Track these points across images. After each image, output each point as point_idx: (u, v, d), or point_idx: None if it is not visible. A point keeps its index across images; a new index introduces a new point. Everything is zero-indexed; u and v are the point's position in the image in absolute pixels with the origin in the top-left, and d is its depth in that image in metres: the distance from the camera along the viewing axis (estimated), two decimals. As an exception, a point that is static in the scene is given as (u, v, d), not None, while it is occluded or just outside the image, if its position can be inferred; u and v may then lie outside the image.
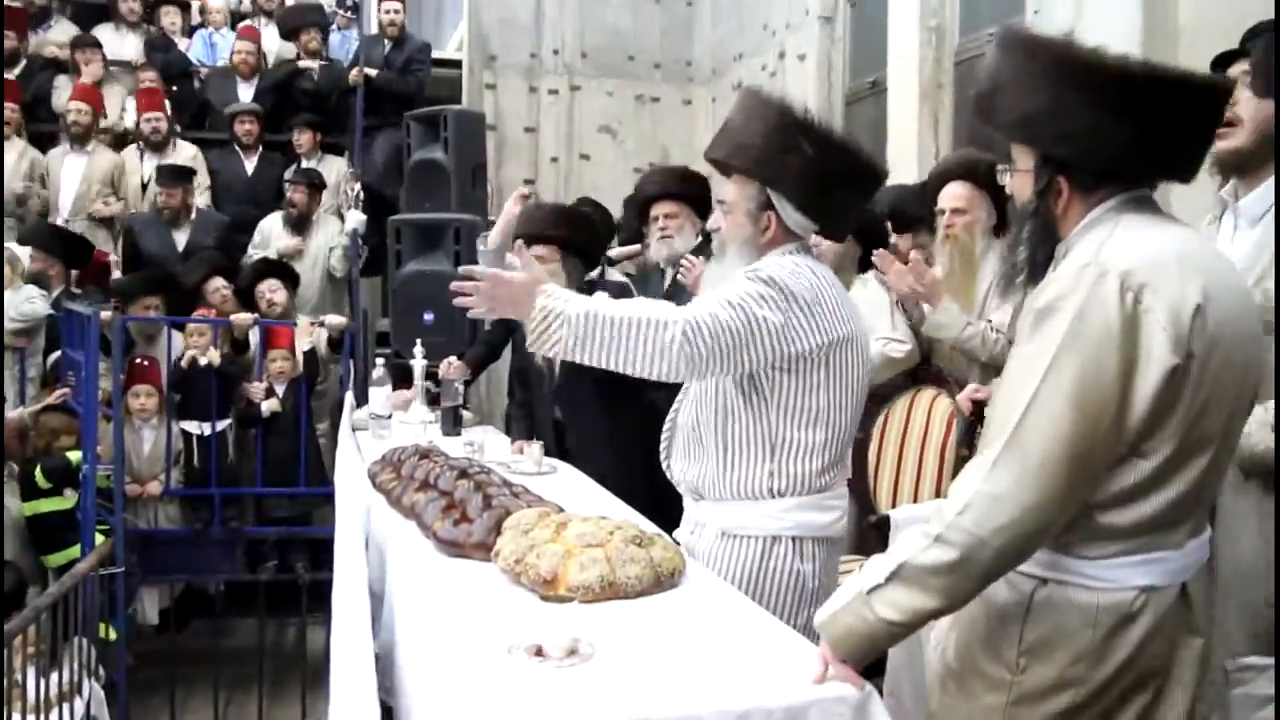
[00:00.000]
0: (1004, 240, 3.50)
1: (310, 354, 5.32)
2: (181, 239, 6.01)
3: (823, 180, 2.24)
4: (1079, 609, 1.55)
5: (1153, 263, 1.49)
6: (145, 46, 7.14)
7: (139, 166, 6.46)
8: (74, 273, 5.69)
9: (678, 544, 2.37)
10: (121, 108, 6.87)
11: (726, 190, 2.35)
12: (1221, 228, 2.33)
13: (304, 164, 6.52)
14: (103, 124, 6.50)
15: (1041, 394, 1.48)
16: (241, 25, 7.36)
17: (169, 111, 6.58)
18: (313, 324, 5.41)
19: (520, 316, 2.10)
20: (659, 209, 3.74)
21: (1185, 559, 1.57)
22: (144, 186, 6.42)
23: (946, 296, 3.36)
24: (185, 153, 6.52)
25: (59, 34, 7.12)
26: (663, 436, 2.46)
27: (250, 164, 6.62)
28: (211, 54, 7.31)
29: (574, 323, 2.03)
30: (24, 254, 5.53)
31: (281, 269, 5.70)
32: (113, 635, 4.40)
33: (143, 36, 7.28)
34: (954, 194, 3.48)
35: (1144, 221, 1.57)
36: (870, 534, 3.06)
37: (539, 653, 1.63)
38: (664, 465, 2.46)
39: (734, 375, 2.22)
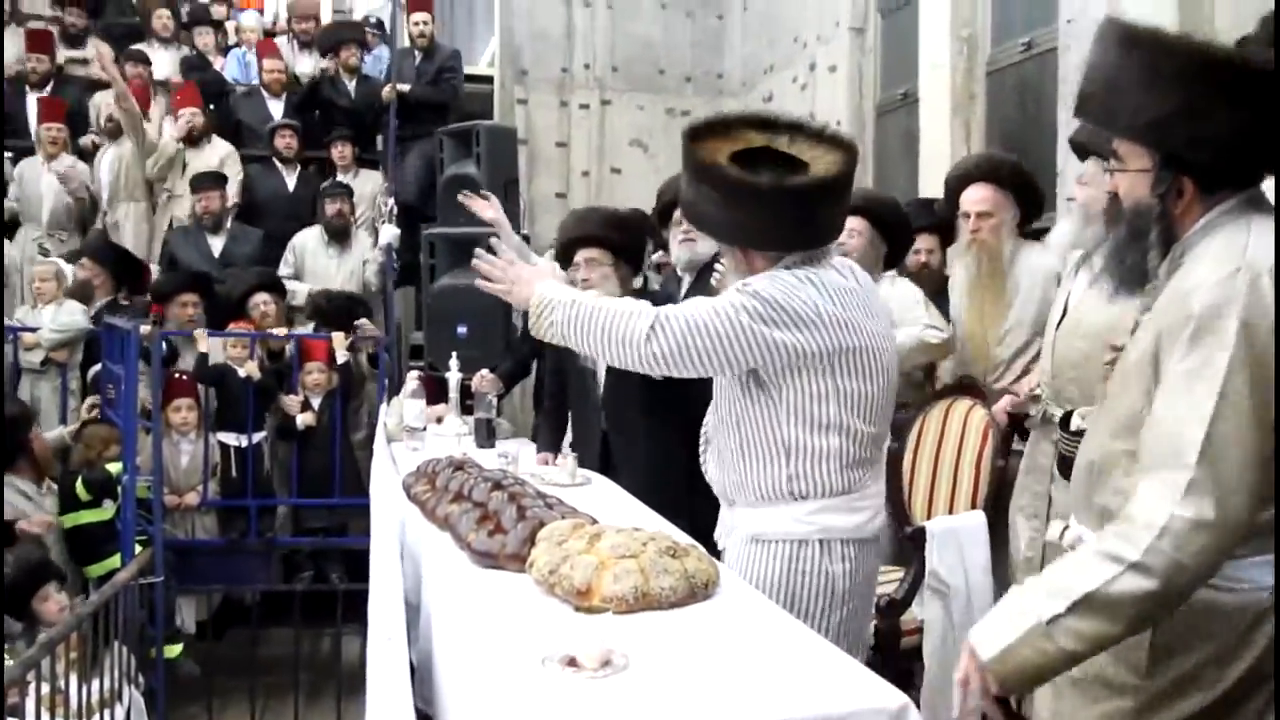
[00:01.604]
0: (1020, 241, 3.51)
1: (345, 366, 5.37)
2: (218, 245, 6.09)
3: (770, 225, 2.21)
4: (1216, 610, 1.56)
5: None
6: (182, 65, 7.26)
7: (180, 156, 6.54)
8: (122, 289, 5.79)
9: (718, 550, 2.39)
10: (160, 124, 6.98)
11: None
12: None
13: (339, 178, 6.59)
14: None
15: (1223, 410, 1.45)
16: (259, 41, 7.45)
17: (204, 108, 6.68)
18: (348, 336, 5.46)
19: (522, 302, 2.29)
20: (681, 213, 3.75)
21: None
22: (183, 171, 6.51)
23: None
24: (220, 148, 6.61)
25: (92, 53, 7.24)
26: (700, 443, 2.49)
27: (291, 180, 6.71)
28: (246, 73, 7.41)
29: (563, 310, 2.21)
30: (68, 269, 5.63)
31: (273, 284, 5.73)
32: (176, 650, 4.48)
33: (177, 52, 7.40)
34: (979, 196, 3.44)
35: (1270, 221, 1.56)
36: (906, 545, 3.05)
37: (573, 663, 1.64)
38: (704, 472, 2.48)
39: (720, 376, 2.27)
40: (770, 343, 2.14)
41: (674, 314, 2.17)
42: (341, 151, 6.67)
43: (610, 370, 3.39)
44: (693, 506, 2.80)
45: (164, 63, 7.32)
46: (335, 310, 5.68)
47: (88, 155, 6.67)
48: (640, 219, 3.88)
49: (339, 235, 6.18)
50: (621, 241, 3.51)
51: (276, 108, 7.01)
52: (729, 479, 2.34)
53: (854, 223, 3.77)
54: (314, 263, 6.17)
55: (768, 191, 2.17)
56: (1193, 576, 1.44)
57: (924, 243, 4.13)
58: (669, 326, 2.15)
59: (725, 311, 2.14)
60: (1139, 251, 1.66)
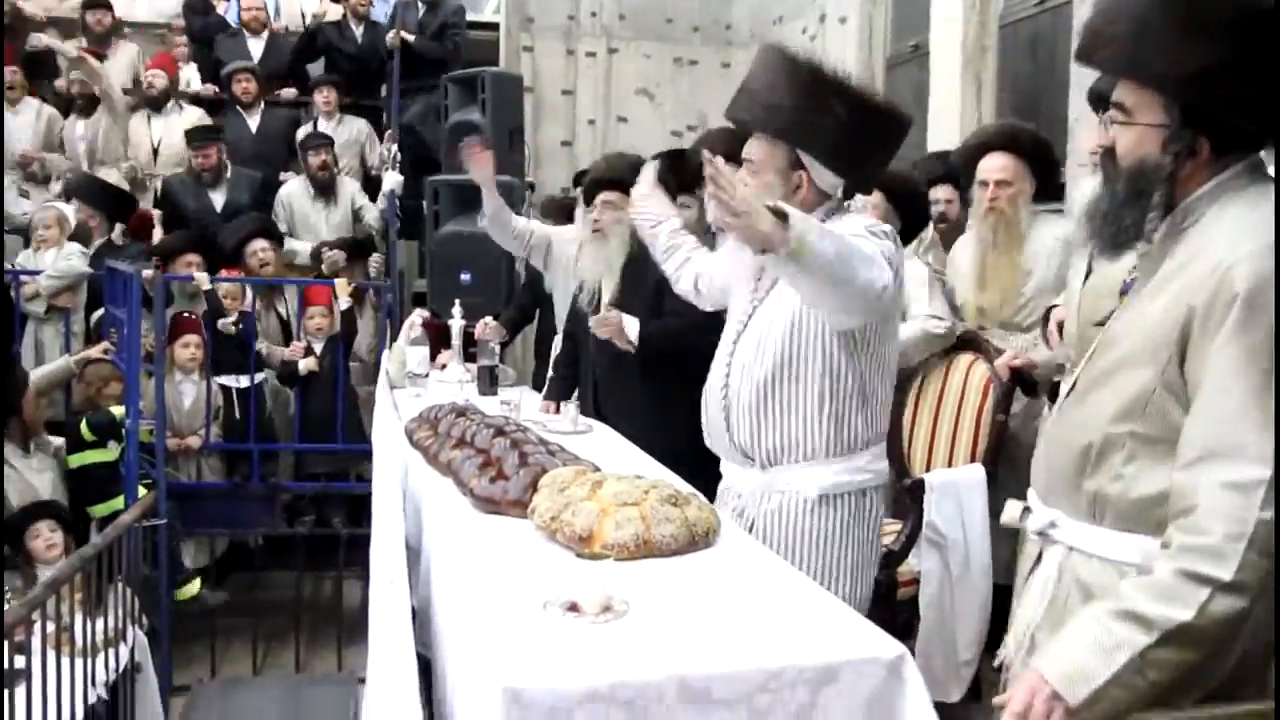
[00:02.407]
0: (1041, 206, 3.48)
1: (348, 312, 5.36)
2: (219, 199, 6.04)
3: (853, 140, 2.24)
4: None
5: None
6: (185, 9, 7.17)
7: (147, 131, 6.47)
8: (117, 227, 5.77)
9: (738, 515, 2.39)
10: (136, 64, 6.87)
11: (752, 149, 2.33)
12: None
13: (320, 125, 6.49)
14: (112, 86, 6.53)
15: None
16: None
17: (178, 75, 6.61)
18: (350, 282, 5.45)
19: (757, 230, 1.88)
20: None
21: None
22: (155, 151, 6.45)
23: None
24: (190, 115, 6.52)
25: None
26: (712, 412, 2.39)
27: (253, 122, 6.59)
28: (278, 16, 7.32)
29: (817, 237, 1.91)
30: (70, 211, 5.61)
31: (269, 230, 5.70)
32: (194, 589, 4.52)
33: None
34: (998, 165, 3.41)
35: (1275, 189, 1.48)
36: (905, 497, 3.07)
37: (574, 609, 1.65)
38: (718, 439, 2.39)
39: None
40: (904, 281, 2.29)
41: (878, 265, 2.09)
42: (326, 97, 6.54)
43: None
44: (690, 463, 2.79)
45: (140, 7, 7.20)
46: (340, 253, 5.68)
47: (62, 97, 6.61)
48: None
49: (324, 188, 6.10)
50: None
51: (257, 47, 6.90)
52: (774, 439, 2.28)
53: (871, 197, 3.75)
54: (303, 216, 6.11)
55: (853, 99, 2.20)
56: (1271, 576, 1.35)
57: (942, 193, 4.09)
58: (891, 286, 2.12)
59: (879, 259, 2.10)
60: (1138, 211, 1.53)
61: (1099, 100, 3.03)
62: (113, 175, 6.21)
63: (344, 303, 5.33)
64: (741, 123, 2.36)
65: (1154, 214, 1.53)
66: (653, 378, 3.27)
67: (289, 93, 6.94)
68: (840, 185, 2.33)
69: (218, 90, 6.69)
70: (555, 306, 4.20)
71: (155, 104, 6.43)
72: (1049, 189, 3.54)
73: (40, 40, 6.41)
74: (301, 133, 6.49)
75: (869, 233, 2.16)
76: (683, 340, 3.08)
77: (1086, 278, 2.90)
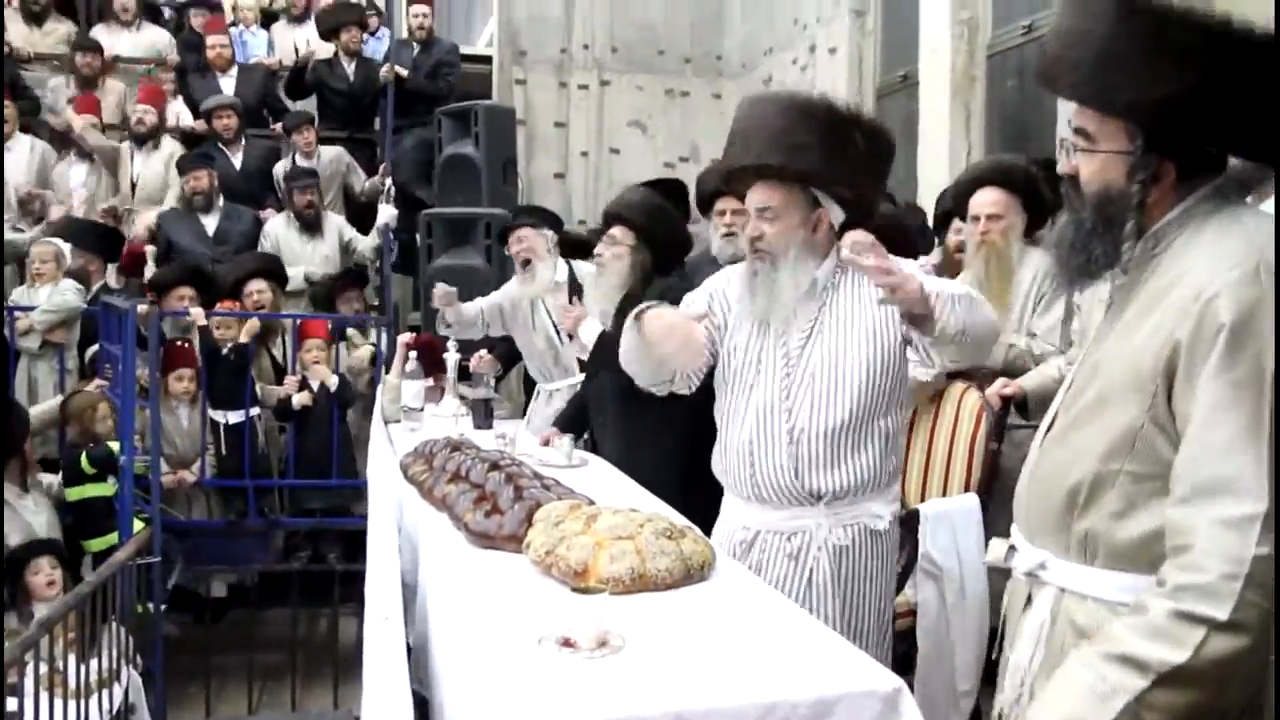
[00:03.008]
0: (1042, 242, 3.49)
1: (342, 378, 5.31)
2: (211, 225, 6.04)
3: (868, 170, 2.34)
4: None
5: None
6: (180, 45, 7.22)
7: (129, 166, 6.50)
8: (111, 267, 5.78)
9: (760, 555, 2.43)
10: (124, 101, 6.91)
11: (766, 196, 2.35)
12: None
13: (300, 162, 6.48)
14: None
15: None
16: (209, 19, 7.38)
17: (163, 110, 6.63)
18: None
19: (914, 292, 2.08)
20: (725, 204, 3.67)
21: None
22: (133, 187, 6.47)
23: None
24: (166, 149, 6.52)
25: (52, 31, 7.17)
26: (769, 457, 2.36)
27: (237, 159, 6.60)
28: (242, 52, 7.36)
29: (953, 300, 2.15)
30: (67, 249, 5.62)
31: (269, 270, 5.68)
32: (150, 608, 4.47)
33: (137, 34, 7.30)
34: (989, 199, 3.45)
35: (1255, 212, 1.48)
36: (900, 528, 3.06)
37: (569, 644, 1.65)
38: (774, 482, 2.36)
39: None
40: None
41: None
42: (307, 138, 6.53)
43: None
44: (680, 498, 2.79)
45: (125, 45, 7.23)
46: (330, 290, 5.68)
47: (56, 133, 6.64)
48: (675, 217, 3.68)
49: (310, 225, 6.10)
50: (648, 228, 3.41)
51: (228, 84, 6.93)
52: (851, 477, 2.34)
53: (857, 235, 3.76)
54: (289, 250, 6.09)
55: (867, 133, 2.30)
56: (1271, 618, 1.31)
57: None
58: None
59: None
60: (1109, 241, 1.50)
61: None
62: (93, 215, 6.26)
63: (331, 383, 5.27)
64: (763, 169, 2.35)
65: (1128, 242, 1.50)
66: (630, 414, 3.27)
67: (276, 128, 6.95)
68: (840, 221, 2.38)
69: (208, 124, 6.70)
70: (526, 362, 4.30)
71: (141, 140, 6.45)
72: (1039, 223, 3.56)
73: (58, 121, 6.44)
74: (280, 168, 6.50)
75: (933, 271, 2.27)
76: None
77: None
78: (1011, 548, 1.69)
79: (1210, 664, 1.30)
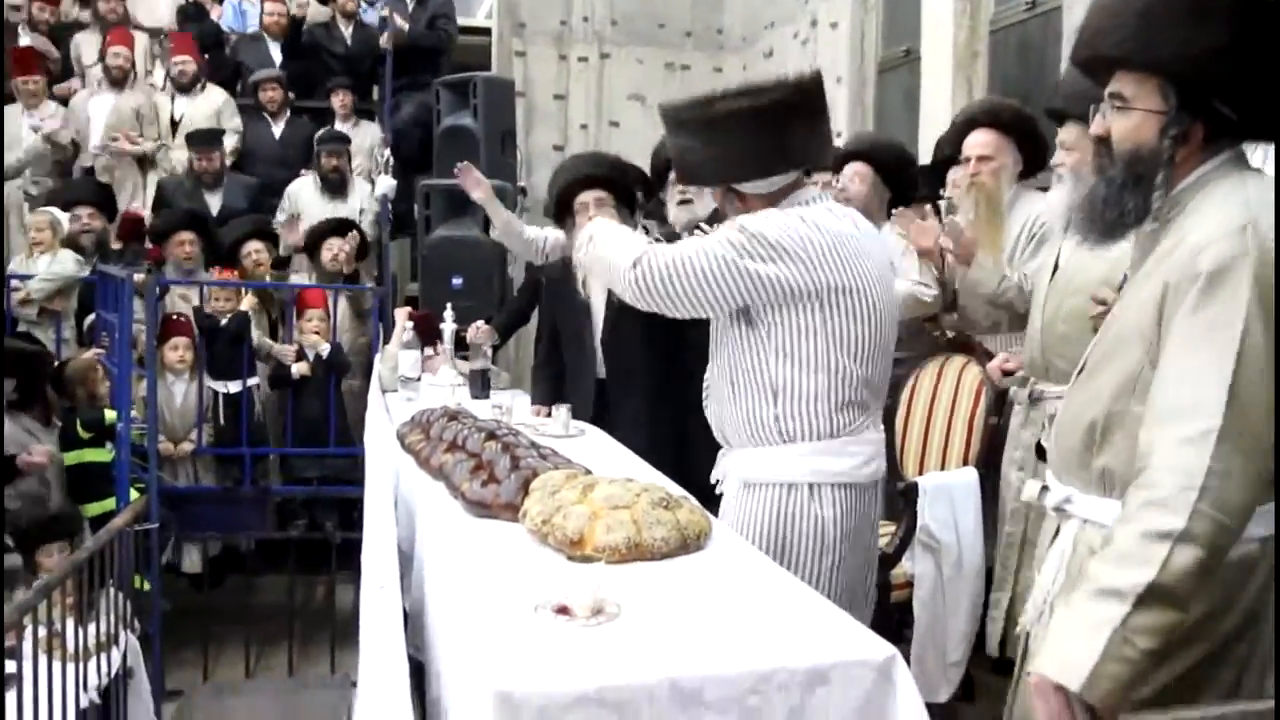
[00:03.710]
0: (1025, 185, 3.49)
1: (335, 346, 5.30)
2: (215, 202, 6.05)
3: (747, 152, 2.27)
4: None
5: None
6: (179, 15, 7.17)
7: (169, 105, 6.54)
8: (110, 228, 5.77)
9: (716, 495, 2.44)
10: (147, 64, 6.91)
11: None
12: None
13: (338, 127, 6.52)
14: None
15: (1245, 362, 1.41)
16: None
17: (199, 57, 6.63)
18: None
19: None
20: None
21: None
22: (174, 125, 6.49)
23: (980, 251, 3.35)
24: (214, 96, 6.56)
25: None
26: (704, 389, 2.50)
27: (278, 129, 6.64)
28: (241, 21, 7.33)
29: (585, 239, 2.42)
30: (64, 218, 5.59)
31: (265, 231, 5.69)
32: (146, 586, 4.49)
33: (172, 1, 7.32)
34: (980, 140, 3.45)
35: (1261, 178, 1.56)
36: (898, 500, 3.08)
37: (565, 612, 1.65)
38: (707, 414, 2.50)
39: (708, 313, 2.30)
40: (755, 276, 2.18)
41: (661, 250, 2.26)
42: (343, 100, 6.59)
43: (610, 315, 3.41)
44: (687, 455, 2.83)
45: (154, 9, 7.23)
46: (327, 231, 5.65)
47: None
48: (636, 168, 3.85)
49: (335, 188, 6.11)
50: (624, 185, 3.52)
51: (278, 52, 6.92)
52: (726, 421, 2.38)
53: (857, 167, 3.78)
54: (308, 210, 6.09)
55: (736, 114, 2.21)
56: (1232, 535, 1.40)
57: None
58: (654, 262, 2.22)
59: (710, 248, 2.21)
60: (1139, 195, 1.60)
61: (1057, 115, 3.07)
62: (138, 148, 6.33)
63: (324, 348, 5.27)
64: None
65: (1159, 192, 1.58)
66: (651, 355, 3.36)
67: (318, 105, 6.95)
68: (788, 179, 2.32)
69: (254, 96, 6.67)
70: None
71: (185, 88, 6.47)
72: (1037, 165, 3.56)
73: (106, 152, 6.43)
74: (319, 136, 6.49)
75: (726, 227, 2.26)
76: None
77: (1053, 277, 2.93)
78: (1044, 487, 1.79)
79: (1180, 576, 1.36)
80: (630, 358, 3.42)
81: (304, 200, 6.13)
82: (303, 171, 6.39)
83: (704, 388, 2.50)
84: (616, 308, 3.31)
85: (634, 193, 3.61)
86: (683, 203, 3.67)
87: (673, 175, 3.74)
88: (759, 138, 2.23)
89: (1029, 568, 2.79)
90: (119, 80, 6.38)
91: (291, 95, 6.72)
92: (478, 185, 3.86)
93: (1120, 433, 1.59)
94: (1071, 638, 1.41)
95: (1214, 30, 1.49)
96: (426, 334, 4.24)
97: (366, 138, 6.65)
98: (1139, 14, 1.54)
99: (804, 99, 2.25)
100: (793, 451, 2.27)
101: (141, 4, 7.19)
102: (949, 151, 3.75)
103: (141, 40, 6.90)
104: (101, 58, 6.46)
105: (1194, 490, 1.37)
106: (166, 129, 6.51)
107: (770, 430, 2.28)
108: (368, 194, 6.28)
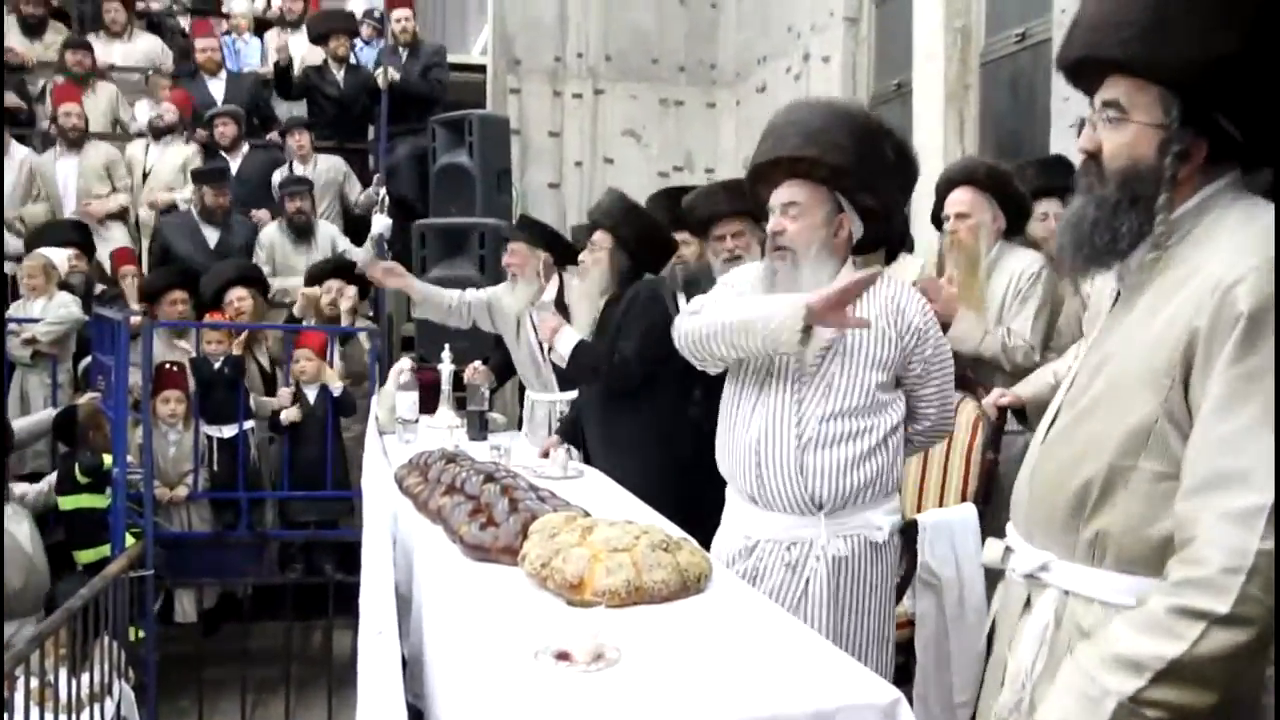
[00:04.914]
0: (1009, 243, 3.50)
1: (345, 391, 5.30)
2: (213, 237, 6.06)
3: (897, 183, 2.38)
4: None
5: None
6: (176, 54, 7.23)
7: (142, 158, 6.54)
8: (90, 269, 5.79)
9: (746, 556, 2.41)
10: (115, 105, 6.95)
11: (792, 192, 2.34)
12: None
13: (296, 168, 6.51)
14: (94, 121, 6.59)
15: None
16: (196, 23, 7.44)
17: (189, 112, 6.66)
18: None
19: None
20: (724, 229, 3.49)
21: None
22: (145, 176, 6.50)
23: (961, 307, 3.37)
24: (182, 149, 6.57)
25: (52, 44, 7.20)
26: (796, 459, 2.33)
27: (235, 163, 6.63)
28: (236, 60, 7.38)
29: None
30: (59, 258, 5.60)
31: (247, 276, 5.69)
32: (141, 634, 4.44)
33: (129, 44, 7.36)
34: (957, 199, 3.52)
35: (1269, 205, 1.41)
36: (898, 538, 3.05)
37: (565, 657, 1.63)
38: (779, 489, 2.35)
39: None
40: None
41: (690, 320, 2.44)
42: (299, 141, 6.57)
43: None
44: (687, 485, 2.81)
45: (118, 55, 7.28)
46: (328, 272, 5.65)
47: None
48: (653, 220, 3.67)
49: (301, 231, 6.12)
50: (626, 233, 3.46)
51: (217, 88, 6.97)
52: (834, 485, 2.31)
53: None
54: (284, 259, 6.13)
55: (911, 164, 2.42)
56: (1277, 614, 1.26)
57: (1049, 206, 4.05)
58: (685, 328, 2.43)
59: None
60: (1134, 218, 1.43)
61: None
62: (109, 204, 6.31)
63: (335, 389, 5.26)
64: (798, 160, 2.31)
65: (1161, 215, 1.42)
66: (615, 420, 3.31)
67: (272, 137, 6.97)
68: (859, 235, 2.39)
69: (208, 131, 6.71)
70: (513, 361, 4.26)
71: (159, 134, 6.49)
72: (1020, 220, 3.57)
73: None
74: (278, 175, 6.51)
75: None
76: (602, 368, 3.22)
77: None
78: (1008, 549, 1.63)
79: (1208, 659, 1.25)
80: (593, 415, 3.44)
81: (277, 248, 6.14)
82: (258, 212, 6.41)
83: (781, 461, 2.36)
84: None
85: (642, 240, 3.52)
86: (731, 260, 3.41)
87: (719, 229, 3.52)
88: (888, 176, 2.40)
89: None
90: (76, 141, 6.39)
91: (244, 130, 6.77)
92: (388, 274, 4.14)
93: (1124, 492, 1.42)
94: (1072, 703, 1.34)
95: (1229, 36, 1.34)
96: (426, 394, 4.21)
97: (329, 172, 6.65)
98: (1151, 7, 1.38)
99: (911, 180, 2.52)
100: (894, 502, 2.44)
101: (135, 44, 7.24)
102: (935, 213, 3.80)
103: (108, 91, 6.91)
104: (54, 118, 6.46)
105: (1241, 574, 1.24)
106: (139, 183, 6.51)
107: (893, 484, 2.43)
108: (336, 233, 6.31)
